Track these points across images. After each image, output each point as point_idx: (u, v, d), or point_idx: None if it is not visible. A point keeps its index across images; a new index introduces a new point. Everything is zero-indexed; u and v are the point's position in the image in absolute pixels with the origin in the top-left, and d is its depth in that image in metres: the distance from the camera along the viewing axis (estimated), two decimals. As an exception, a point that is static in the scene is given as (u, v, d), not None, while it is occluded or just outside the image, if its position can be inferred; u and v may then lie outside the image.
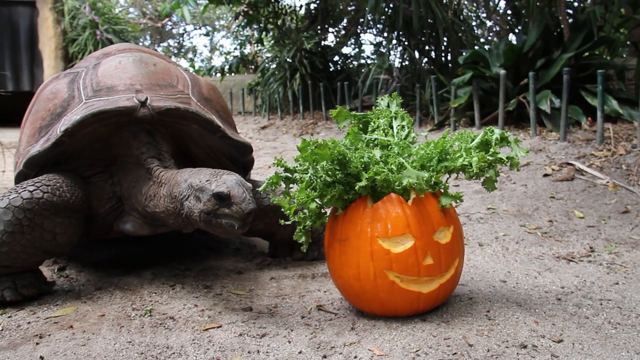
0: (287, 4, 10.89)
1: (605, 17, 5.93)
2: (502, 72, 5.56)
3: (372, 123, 2.19)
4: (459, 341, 1.79)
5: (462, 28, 8.30)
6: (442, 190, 2.02)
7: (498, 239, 3.04)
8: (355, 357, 1.71)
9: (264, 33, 11.17)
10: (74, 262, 2.78)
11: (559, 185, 3.98)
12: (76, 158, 2.44)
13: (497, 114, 5.71)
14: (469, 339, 1.80)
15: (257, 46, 12.74)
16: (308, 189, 1.97)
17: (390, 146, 2.08)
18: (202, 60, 22.21)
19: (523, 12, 7.16)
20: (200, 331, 1.94)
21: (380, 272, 1.88)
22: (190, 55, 22.85)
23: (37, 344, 1.86)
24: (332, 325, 1.96)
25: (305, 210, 2.00)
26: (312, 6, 10.54)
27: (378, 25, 9.42)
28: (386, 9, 8.27)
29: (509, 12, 8.23)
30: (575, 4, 7.20)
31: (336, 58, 10.46)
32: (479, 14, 9.38)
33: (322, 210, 2.03)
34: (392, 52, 8.79)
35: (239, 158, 2.77)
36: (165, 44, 22.27)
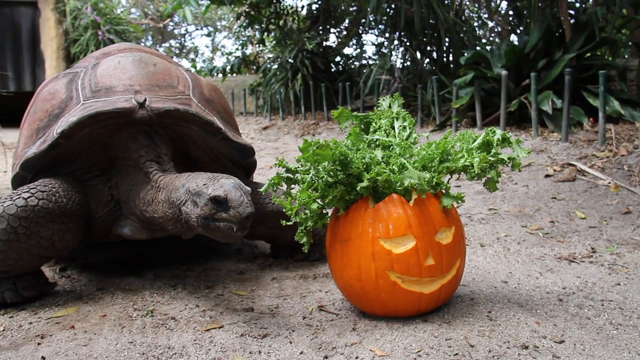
0: (289, 5, 10.91)
1: (607, 18, 5.92)
2: (504, 72, 5.56)
3: (373, 124, 2.19)
4: (460, 342, 1.79)
5: (464, 29, 8.30)
6: (443, 191, 2.02)
7: (499, 240, 3.04)
8: (357, 357, 1.71)
9: (265, 33, 11.19)
10: (76, 263, 2.78)
11: (561, 185, 3.97)
12: (74, 160, 2.39)
13: (498, 114, 5.71)
14: (470, 340, 1.80)
15: (259, 47, 12.76)
16: (309, 190, 1.97)
17: (391, 147, 2.08)
18: (204, 61, 22.26)
19: (525, 12, 7.15)
20: (202, 331, 1.94)
21: (381, 273, 1.88)
22: (191, 55, 22.89)
23: (39, 344, 1.86)
24: (333, 326, 1.96)
25: (307, 211, 2.00)
26: (314, 7, 10.55)
27: (380, 26, 9.43)
28: (388, 10, 8.27)
29: (510, 12, 8.23)
30: (577, 4, 7.19)
31: (338, 58, 10.47)
32: (481, 14, 9.38)
33: (324, 211, 2.03)
34: (393, 53, 8.80)
35: (240, 160, 2.73)
36: (167, 44, 22.30)
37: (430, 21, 7.79)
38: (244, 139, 2.70)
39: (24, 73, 11.62)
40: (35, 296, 2.25)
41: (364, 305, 2.01)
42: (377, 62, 8.76)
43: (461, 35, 8.19)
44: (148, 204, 2.21)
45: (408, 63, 8.57)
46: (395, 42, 8.73)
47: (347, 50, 10.81)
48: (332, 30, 10.91)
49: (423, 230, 1.89)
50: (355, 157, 1.94)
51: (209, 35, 22.95)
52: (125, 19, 12.76)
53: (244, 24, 11.18)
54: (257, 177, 3.55)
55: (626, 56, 7.29)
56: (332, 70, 10.15)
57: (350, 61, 10.61)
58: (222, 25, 22.30)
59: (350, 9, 10.46)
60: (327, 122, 8.50)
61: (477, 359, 1.68)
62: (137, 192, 2.27)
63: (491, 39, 9.39)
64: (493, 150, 1.97)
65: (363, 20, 9.74)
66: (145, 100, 2.31)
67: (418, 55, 8.46)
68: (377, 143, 2.12)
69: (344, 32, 10.92)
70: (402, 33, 8.41)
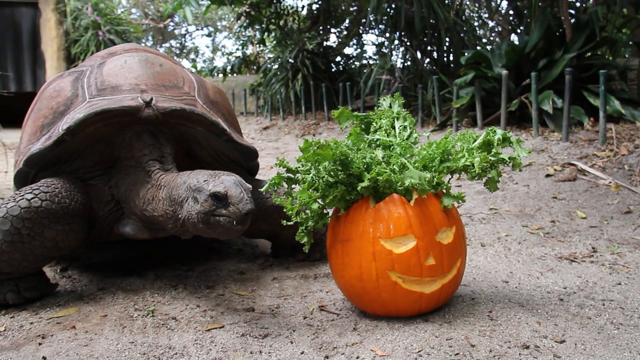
0: (289, 5, 10.91)
1: (607, 17, 5.92)
2: (504, 72, 5.55)
3: (374, 123, 2.19)
4: (461, 342, 1.79)
5: (464, 28, 8.30)
6: (444, 191, 2.02)
7: (500, 240, 3.04)
8: (358, 357, 1.71)
9: (266, 34, 11.20)
10: (76, 263, 2.78)
11: (561, 185, 3.97)
12: (77, 158, 2.40)
13: (499, 114, 5.71)
14: (471, 340, 1.80)
15: (259, 47, 12.78)
16: (310, 190, 1.97)
17: (392, 147, 2.08)
18: (204, 61, 22.27)
19: (525, 12, 7.15)
20: (203, 331, 1.94)
21: (382, 273, 1.88)
22: (192, 55, 22.90)
23: (40, 344, 1.87)
24: (334, 326, 1.96)
25: (308, 211, 2.00)
26: (314, 7, 10.55)
27: (380, 26, 9.43)
28: (388, 10, 8.27)
29: (511, 12, 8.23)
30: (578, 4, 7.19)
31: (338, 58, 10.48)
32: (481, 14, 9.38)
33: (325, 211, 2.03)
34: (394, 53, 8.80)
35: (243, 163, 2.73)
36: (167, 44, 22.31)
37: (431, 21, 7.79)
38: (248, 142, 2.70)
39: (25, 73, 11.63)
40: (37, 297, 2.25)
41: (365, 305, 2.01)
42: (378, 62, 8.76)
43: (462, 35, 8.18)
44: (148, 203, 2.21)
45: (408, 63, 8.57)
46: (396, 42, 8.73)
47: (348, 50, 10.83)
48: (333, 30, 10.93)
49: (424, 230, 1.89)
50: (356, 157, 1.94)
51: (209, 35, 22.98)
52: (125, 19, 12.77)
53: (245, 24, 11.19)
54: (258, 177, 3.55)
55: (627, 56, 7.30)
56: (333, 70, 10.15)
57: (351, 61, 10.62)
58: (223, 26, 22.32)
59: (351, 9, 10.47)
60: (327, 122, 8.50)
61: (478, 358, 1.68)
62: (137, 192, 2.27)
63: (492, 38, 9.39)
64: (494, 150, 1.97)
65: (363, 20, 9.74)
66: (151, 99, 2.32)
67: (418, 55, 8.46)
68: (378, 143, 2.12)
69: (345, 32, 10.93)
70: (403, 33, 8.41)
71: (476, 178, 1.97)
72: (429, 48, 8.58)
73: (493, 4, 8.37)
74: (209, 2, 10.20)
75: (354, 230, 1.93)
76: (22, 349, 1.83)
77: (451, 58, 8.42)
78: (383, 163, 1.98)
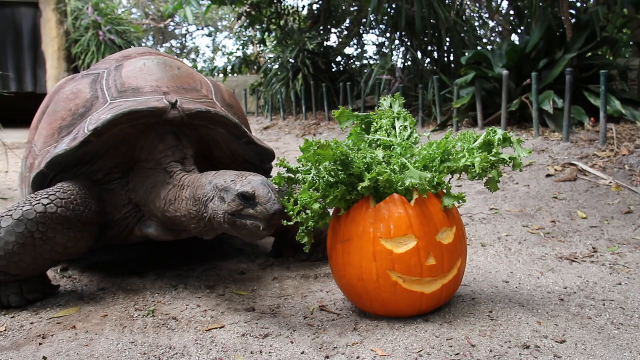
0: (290, 5, 10.92)
1: (608, 18, 5.92)
2: (505, 72, 5.55)
3: (374, 124, 2.19)
4: (461, 342, 1.79)
5: (465, 29, 8.30)
6: (444, 191, 2.02)
7: (501, 240, 3.04)
8: (358, 357, 1.71)
9: (266, 34, 11.20)
10: (77, 263, 2.78)
11: (562, 185, 3.97)
12: (98, 161, 2.39)
13: (499, 114, 5.71)
14: (471, 340, 1.80)
15: (260, 47, 12.78)
16: (311, 190, 1.97)
17: (393, 147, 2.08)
18: (205, 61, 22.27)
19: (526, 12, 7.16)
20: (203, 332, 1.94)
21: (382, 273, 1.88)
22: (192, 55, 22.91)
23: (40, 344, 1.87)
24: (334, 326, 1.96)
25: (308, 211, 2.00)
26: (315, 7, 10.56)
27: (381, 26, 9.43)
28: (389, 10, 8.27)
29: (511, 12, 8.23)
30: (578, 4, 7.19)
31: (339, 59, 10.48)
32: (482, 14, 9.38)
33: (325, 211, 2.03)
34: (394, 53, 8.80)
35: (258, 165, 2.74)
36: (168, 44, 22.32)
37: (432, 21, 7.79)
38: (266, 144, 2.72)
39: (25, 74, 11.62)
40: (40, 299, 2.26)
41: (366, 305, 2.01)
42: (378, 62, 8.76)
43: (462, 35, 8.18)
44: (170, 203, 2.22)
45: (409, 63, 8.57)
46: (397, 42, 8.73)
47: (348, 50, 10.83)
48: (333, 30, 10.93)
49: (424, 230, 1.89)
50: (357, 157, 1.94)
51: (210, 35, 22.98)
52: (126, 19, 12.76)
53: (245, 24, 11.20)
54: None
55: (627, 56, 7.30)
56: (333, 70, 10.16)
57: (352, 61, 10.63)
58: (223, 26, 22.32)
59: (351, 9, 10.47)
60: (328, 122, 8.50)
61: (478, 359, 1.68)
62: (158, 193, 2.27)
63: (492, 38, 9.40)
64: (494, 150, 1.97)
65: (364, 21, 9.75)
66: (176, 101, 2.34)
67: (419, 55, 8.46)
68: (379, 143, 2.12)
69: (345, 32, 10.94)
70: (403, 33, 8.41)
71: (477, 178, 1.97)
72: (429, 48, 8.58)
73: (494, 4, 8.38)
74: (210, 2, 10.20)
75: (355, 231, 1.93)
76: (23, 349, 1.83)
77: (452, 58, 8.41)
78: (384, 163, 1.98)
